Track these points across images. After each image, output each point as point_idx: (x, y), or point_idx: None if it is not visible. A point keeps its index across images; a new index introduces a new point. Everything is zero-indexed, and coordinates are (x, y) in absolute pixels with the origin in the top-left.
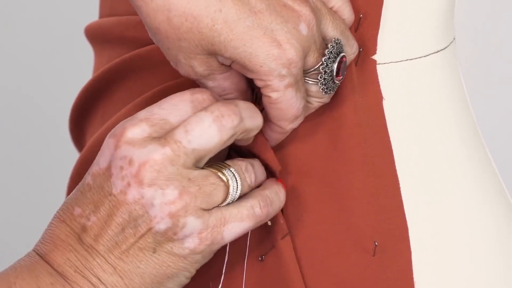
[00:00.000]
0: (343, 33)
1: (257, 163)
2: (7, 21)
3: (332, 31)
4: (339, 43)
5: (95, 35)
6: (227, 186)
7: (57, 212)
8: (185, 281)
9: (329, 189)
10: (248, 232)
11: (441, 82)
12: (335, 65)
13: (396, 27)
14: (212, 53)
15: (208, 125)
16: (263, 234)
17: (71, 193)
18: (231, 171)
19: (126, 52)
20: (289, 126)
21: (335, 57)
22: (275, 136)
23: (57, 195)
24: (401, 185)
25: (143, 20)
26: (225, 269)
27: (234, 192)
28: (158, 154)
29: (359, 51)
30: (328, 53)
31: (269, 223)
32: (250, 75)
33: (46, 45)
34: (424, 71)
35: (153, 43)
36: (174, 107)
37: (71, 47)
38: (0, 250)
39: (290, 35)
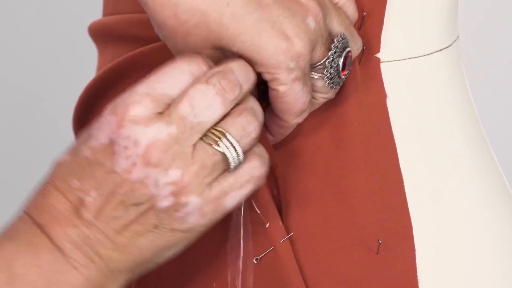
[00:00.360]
0: (348, 29)
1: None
2: (11, 19)
3: (337, 26)
4: (345, 38)
5: (98, 33)
6: (227, 157)
7: (50, 178)
8: (185, 245)
9: (332, 187)
10: (241, 236)
11: (444, 81)
12: (341, 60)
13: (399, 25)
14: (219, 48)
15: (212, 98)
16: (259, 236)
17: (62, 160)
18: (228, 140)
19: (130, 50)
20: (295, 120)
21: (341, 52)
22: (280, 131)
23: None
24: (405, 183)
25: (150, 15)
26: (241, 262)
27: (234, 162)
28: (164, 133)
29: (363, 49)
30: (335, 48)
31: (267, 225)
32: (258, 69)
33: (50, 44)
34: (428, 69)
35: (157, 41)
36: (173, 79)
37: (74, 45)
38: None
39: (298, 28)
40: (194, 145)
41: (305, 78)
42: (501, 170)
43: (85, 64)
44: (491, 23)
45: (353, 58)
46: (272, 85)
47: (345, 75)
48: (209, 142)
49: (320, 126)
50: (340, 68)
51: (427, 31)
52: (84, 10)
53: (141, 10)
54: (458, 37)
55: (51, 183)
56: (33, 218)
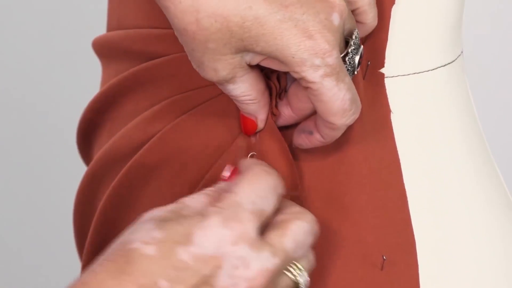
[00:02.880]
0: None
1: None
2: (16, 35)
3: (350, 23)
4: (358, 36)
5: (102, 48)
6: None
7: (131, 271)
8: None
9: (337, 202)
10: None
11: (448, 96)
12: (357, 57)
13: (404, 40)
14: (241, 50)
15: (308, 237)
16: None
17: (147, 254)
18: (303, 272)
19: (134, 65)
20: (340, 121)
21: (358, 49)
22: (329, 133)
23: (65, 208)
24: (408, 199)
25: (170, 21)
26: None
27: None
28: (271, 264)
29: (367, 64)
30: (354, 44)
31: None
32: (284, 68)
33: (54, 59)
34: (432, 85)
35: (161, 57)
36: (265, 194)
37: (78, 60)
38: (12, 266)
39: (322, 25)
40: (282, 277)
41: (338, 75)
42: (505, 183)
43: (89, 79)
44: (495, 38)
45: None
46: (302, 83)
47: (356, 73)
48: (290, 275)
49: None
50: (356, 65)
51: (431, 46)
52: (88, 25)
53: (145, 25)
54: (462, 52)
55: (132, 276)
56: None
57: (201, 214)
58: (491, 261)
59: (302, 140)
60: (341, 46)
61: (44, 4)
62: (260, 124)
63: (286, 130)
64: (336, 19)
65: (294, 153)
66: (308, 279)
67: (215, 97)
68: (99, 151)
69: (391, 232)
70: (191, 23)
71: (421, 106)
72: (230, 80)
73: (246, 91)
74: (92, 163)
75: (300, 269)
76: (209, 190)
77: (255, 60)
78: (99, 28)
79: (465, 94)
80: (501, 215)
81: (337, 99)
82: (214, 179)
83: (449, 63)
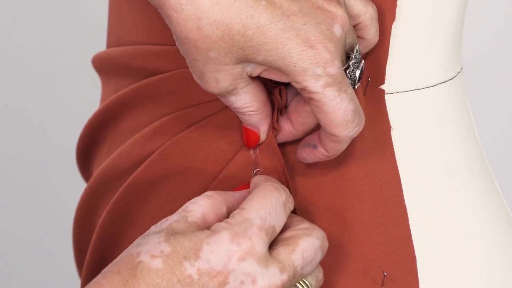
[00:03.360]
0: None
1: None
2: (17, 52)
3: (352, 38)
4: (360, 50)
5: (102, 65)
6: None
7: (137, 284)
8: None
9: (338, 218)
10: None
11: (448, 112)
12: (358, 72)
13: (404, 57)
14: (242, 60)
15: (317, 253)
16: None
17: (153, 267)
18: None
19: (133, 82)
20: (343, 133)
21: (359, 63)
22: (333, 146)
23: (65, 224)
24: (409, 215)
25: (173, 30)
26: None
27: None
28: (278, 280)
29: (368, 81)
30: (355, 58)
31: None
32: (285, 79)
33: (55, 75)
34: (432, 101)
35: (160, 73)
36: (276, 211)
37: (78, 77)
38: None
39: (323, 35)
40: None
41: (340, 85)
42: (505, 200)
43: (89, 96)
44: (495, 55)
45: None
46: (304, 94)
47: (356, 87)
48: None
49: None
50: (357, 80)
51: (431, 63)
52: (88, 42)
53: (145, 41)
54: (462, 68)
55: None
56: None
57: (210, 229)
58: (491, 279)
59: (306, 154)
60: (343, 59)
61: (44, 20)
62: (263, 136)
63: (286, 146)
64: (337, 30)
65: (295, 168)
66: None
67: (215, 114)
68: (99, 167)
69: (392, 248)
70: (193, 31)
71: (421, 122)
72: (232, 91)
73: (248, 102)
74: (91, 179)
75: (308, 286)
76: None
77: (256, 71)
78: (99, 44)
79: (464, 111)
80: (501, 232)
81: (340, 109)
82: None
83: (449, 80)
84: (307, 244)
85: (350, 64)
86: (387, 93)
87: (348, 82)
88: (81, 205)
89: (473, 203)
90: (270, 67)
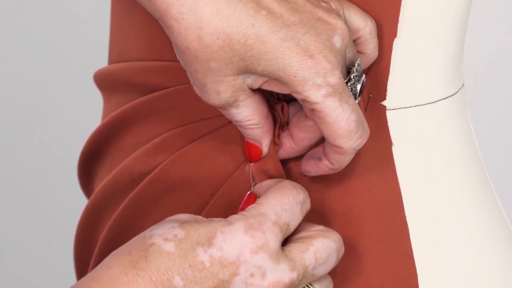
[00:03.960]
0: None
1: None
2: (18, 68)
3: (352, 52)
4: (360, 64)
5: (104, 81)
6: None
7: (147, 266)
8: None
9: (339, 234)
10: None
11: (450, 128)
12: (359, 86)
13: (405, 73)
14: (243, 71)
15: (332, 255)
16: None
17: (166, 250)
18: None
19: (135, 98)
20: (347, 144)
21: (360, 77)
22: (338, 158)
23: (66, 240)
24: (410, 231)
25: (173, 41)
26: None
27: None
28: (287, 277)
29: (369, 97)
30: (356, 71)
31: None
32: (286, 90)
33: (56, 91)
34: (433, 117)
35: (162, 89)
36: (292, 209)
37: (80, 93)
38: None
39: (324, 46)
40: None
41: (341, 95)
42: (506, 215)
43: (91, 112)
44: (496, 70)
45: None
46: (305, 106)
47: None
48: None
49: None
50: (358, 94)
51: (432, 79)
52: (89, 58)
53: (147, 57)
54: (463, 84)
55: (146, 270)
56: None
57: (225, 220)
58: None
59: (311, 167)
60: (344, 72)
61: (46, 36)
62: (265, 150)
63: (289, 162)
64: (337, 41)
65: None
66: None
67: (216, 130)
68: (100, 184)
69: (393, 264)
70: (193, 41)
71: (423, 138)
72: (233, 103)
73: (249, 115)
74: (93, 195)
75: None
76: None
77: (257, 83)
78: (101, 60)
79: (466, 126)
80: (502, 248)
81: (342, 119)
82: (215, 209)
83: (450, 96)
84: (321, 245)
85: (352, 77)
86: (389, 109)
87: (349, 93)
88: (82, 221)
89: (475, 220)
90: (270, 77)
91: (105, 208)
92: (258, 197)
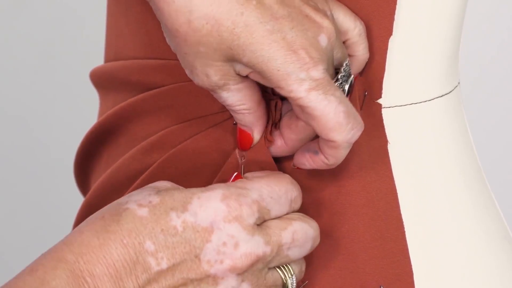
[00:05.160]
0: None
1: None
2: (14, 66)
3: (341, 53)
4: (349, 65)
5: (100, 79)
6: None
7: (118, 228)
8: None
9: (334, 232)
10: None
11: (445, 126)
12: (347, 86)
13: (401, 71)
14: (230, 59)
15: (308, 242)
16: None
17: (138, 215)
18: (292, 278)
19: (131, 96)
20: (339, 137)
21: (348, 78)
22: (332, 153)
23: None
24: (406, 229)
25: (163, 23)
26: None
27: None
28: (260, 250)
29: (365, 95)
30: (344, 71)
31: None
32: (269, 83)
33: (52, 90)
34: (429, 115)
35: (158, 87)
36: (279, 200)
37: (76, 91)
38: None
39: (309, 43)
40: (271, 271)
41: (326, 88)
42: (502, 215)
43: (87, 110)
44: (492, 68)
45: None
46: (292, 103)
47: None
48: (281, 275)
49: (321, 172)
50: (346, 94)
51: (428, 77)
52: (85, 57)
53: (142, 56)
54: (459, 83)
55: (117, 234)
56: (78, 265)
57: (206, 187)
58: None
59: (306, 159)
60: (331, 71)
61: (42, 35)
62: (256, 137)
63: (284, 161)
64: (323, 40)
65: None
66: (295, 285)
67: (212, 127)
68: (97, 182)
69: (389, 262)
70: (183, 24)
71: (418, 136)
72: (223, 87)
73: (240, 99)
74: (89, 193)
75: (291, 273)
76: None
77: (245, 71)
78: (97, 59)
79: (462, 125)
80: (499, 248)
81: (329, 112)
82: None
83: (446, 94)
84: (300, 228)
85: (339, 77)
86: (384, 107)
87: (336, 86)
88: (79, 219)
89: (470, 218)
90: (254, 70)
91: (102, 206)
92: None
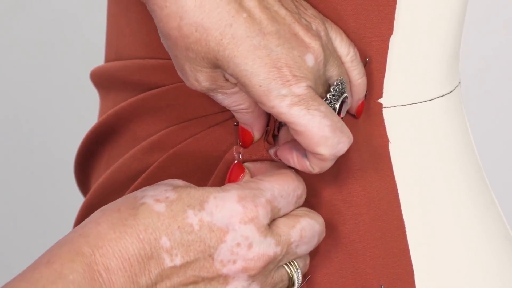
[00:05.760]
0: (345, 78)
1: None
2: (15, 66)
3: (337, 72)
4: (343, 84)
5: (100, 79)
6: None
7: (135, 224)
8: None
9: (335, 232)
10: None
11: (446, 126)
12: (338, 104)
13: (401, 71)
14: (218, 67)
15: (315, 237)
16: None
17: (156, 210)
18: (299, 271)
19: (131, 96)
20: (326, 151)
21: (339, 96)
22: (318, 164)
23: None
24: (406, 229)
25: (157, 25)
26: None
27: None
28: (271, 251)
29: (365, 94)
30: (333, 90)
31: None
32: (252, 97)
33: (53, 90)
34: (430, 115)
35: (158, 87)
36: (288, 199)
37: (76, 91)
38: None
39: (293, 61)
40: (279, 269)
41: (308, 103)
42: (503, 215)
43: (87, 110)
44: (492, 68)
45: (348, 107)
46: (275, 116)
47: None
48: (288, 270)
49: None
50: (336, 112)
51: (429, 77)
52: (86, 56)
53: (143, 56)
54: (459, 82)
55: (134, 228)
56: (96, 262)
57: (221, 187)
58: None
59: (291, 157)
60: (319, 91)
61: (43, 35)
62: (256, 134)
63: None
64: (310, 60)
65: None
66: (301, 279)
67: (212, 127)
68: (97, 182)
69: (390, 262)
70: (173, 28)
71: (419, 136)
72: (216, 90)
73: (236, 100)
74: (90, 193)
75: (297, 268)
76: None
77: (233, 80)
78: (97, 59)
79: (462, 124)
80: (499, 247)
81: (313, 126)
82: None
83: (447, 94)
84: (307, 224)
85: (328, 96)
86: (385, 107)
87: (321, 101)
88: (79, 219)
89: (471, 217)
90: (238, 82)
91: (102, 206)
92: (250, 172)
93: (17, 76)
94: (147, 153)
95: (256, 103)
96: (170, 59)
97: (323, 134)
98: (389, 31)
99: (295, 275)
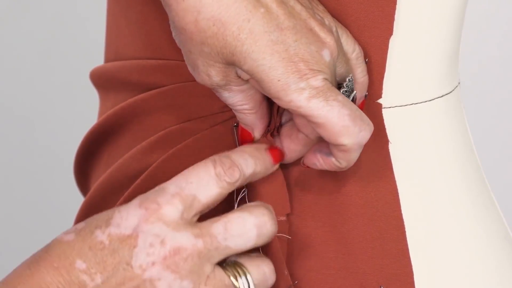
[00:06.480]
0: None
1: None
2: (14, 66)
3: (345, 69)
4: (352, 81)
5: (100, 79)
6: None
7: (47, 255)
8: None
9: (334, 233)
10: None
11: (445, 126)
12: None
13: (401, 71)
14: (231, 64)
15: (250, 229)
16: None
17: (65, 239)
18: (247, 280)
19: (131, 96)
20: (348, 141)
21: (350, 93)
22: (344, 156)
23: None
24: (406, 229)
25: (171, 19)
26: None
27: None
28: (189, 243)
29: (365, 95)
30: (346, 86)
31: (286, 272)
32: (267, 92)
33: (52, 90)
34: (429, 115)
35: (158, 87)
36: (200, 181)
37: (76, 91)
38: None
39: (311, 56)
40: (213, 266)
41: (326, 95)
42: (502, 215)
43: (87, 110)
44: (492, 68)
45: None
46: (294, 113)
47: None
48: (229, 273)
49: (321, 171)
50: None
51: (428, 77)
52: (85, 56)
53: (142, 56)
54: (459, 83)
55: (47, 260)
56: None
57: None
58: None
59: (317, 160)
60: (333, 84)
61: (43, 35)
62: (257, 135)
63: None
64: (326, 55)
65: (291, 181)
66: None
67: (212, 127)
68: (97, 182)
69: (389, 262)
70: (190, 23)
71: (419, 136)
72: (224, 87)
73: (242, 99)
74: (89, 193)
75: (243, 272)
76: None
77: (245, 76)
78: (97, 59)
79: (462, 125)
80: (499, 248)
81: (333, 116)
82: None
83: (446, 94)
84: (235, 217)
85: (341, 92)
86: (385, 108)
87: (338, 91)
88: (79, 219)
89: (470, 218)
90: (253, 78)
91: (102, 206)
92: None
93: (17, 76)
94: (147, 153)
95: (260, 104)
96: (169, 59)
97: (343, 123)
98: (389, 31)
99: (240, 281)
